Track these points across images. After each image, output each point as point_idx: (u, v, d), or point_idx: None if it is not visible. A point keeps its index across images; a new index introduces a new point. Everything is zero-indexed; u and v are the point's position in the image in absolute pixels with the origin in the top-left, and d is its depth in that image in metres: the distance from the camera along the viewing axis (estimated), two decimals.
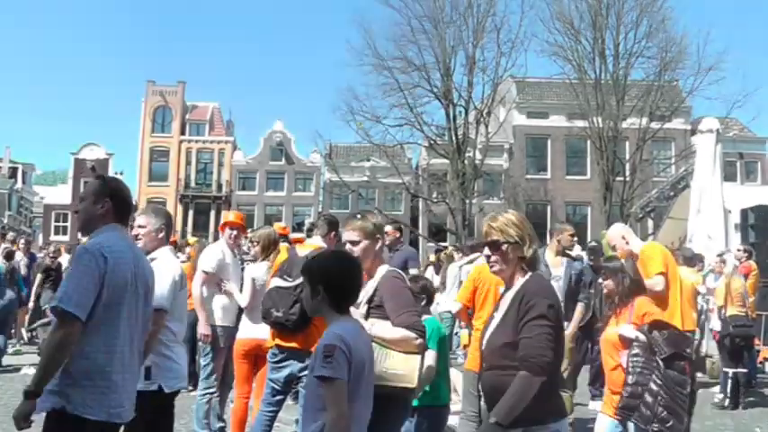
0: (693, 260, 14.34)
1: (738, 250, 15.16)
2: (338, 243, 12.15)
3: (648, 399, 5.75)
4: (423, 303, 6.56)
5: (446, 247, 22.58)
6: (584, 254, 13.62)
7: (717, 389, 12.92)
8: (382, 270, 5.23)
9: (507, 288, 4.28)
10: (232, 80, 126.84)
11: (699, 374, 14.90)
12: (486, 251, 4.26)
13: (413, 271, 11.86)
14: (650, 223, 32.93)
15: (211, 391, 8.47)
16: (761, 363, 15.45)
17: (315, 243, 7.64)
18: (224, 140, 66.85)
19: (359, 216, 5.48)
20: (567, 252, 9.53)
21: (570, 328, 9.03)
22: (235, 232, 9.12)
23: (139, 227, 6.19)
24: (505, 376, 3.95)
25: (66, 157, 65.07)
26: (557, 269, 9.22)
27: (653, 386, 5.76)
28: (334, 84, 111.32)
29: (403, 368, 4.89)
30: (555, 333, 4.02)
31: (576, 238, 10.03)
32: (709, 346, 14.82)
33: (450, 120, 47.63)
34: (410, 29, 47.39)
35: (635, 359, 5.92)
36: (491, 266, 4.34)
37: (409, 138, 49.55)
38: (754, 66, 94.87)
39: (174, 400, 6.16)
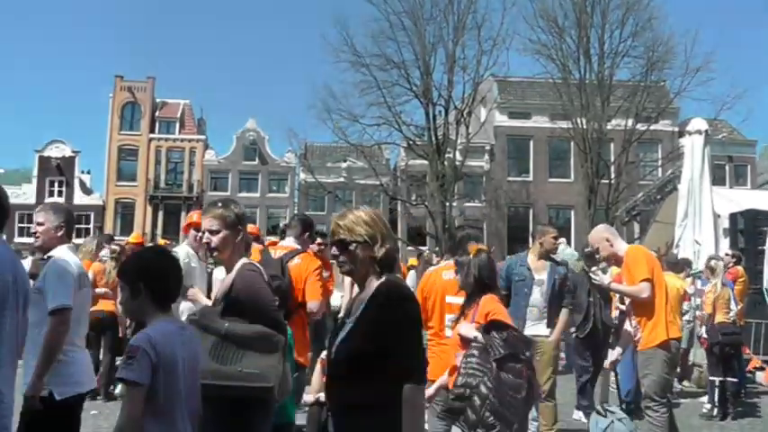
0: (679, 265, 14.30)
1: (726, 255, 15.13)
2: (322, 245, 12.14)
3: (477, 402, 5.60)
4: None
5: (426, 251, 22.49)
6: (571, 255, 13.54)
7: (705, 398, 12.86)
8: (239, 264, 5.04)
9: (360, 291, 4.11)
10: (204, 76, 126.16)
11: (686, 383, 14.93)
12: (334, 251, 4.10)
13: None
14: (636, 227, 32.90)
15: None
16: (751, 372, 15.41)
17: (288, 245, 7.51)
18: (195, 139, 66.52)
19: (220, 204, 5.29)
20: (552, 256, 9.41)
21: (554, 335, 8.99)
22: (200, 234, 8.92)
23: (38, 224, 6.01)
24: (353, 388, 3.78)
25: (30, 154, 64.39)
26: (540, 273, 9.10)
27: (483, 389, 5.62)
28: (309, 81, 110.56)
29: (259, 367, 4.71)
30: (421, 337, 3.98)
31: (559, 241, 9.95)
32: (697, 355, 14.81)
33: (429, 119, 47.70)
34: (389, 25, 47.51)
35: (469, 360, 5.82)
36: (340, 267, 4.20)
37: (387, 138, 49.71)
38: (743, 67, 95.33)
39: (79, 409, 5.89)
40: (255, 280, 4.96)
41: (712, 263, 13.09)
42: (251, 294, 4.86)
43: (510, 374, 5.67)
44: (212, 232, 5.13)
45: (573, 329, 11.52)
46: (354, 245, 3.98)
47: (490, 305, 6.36)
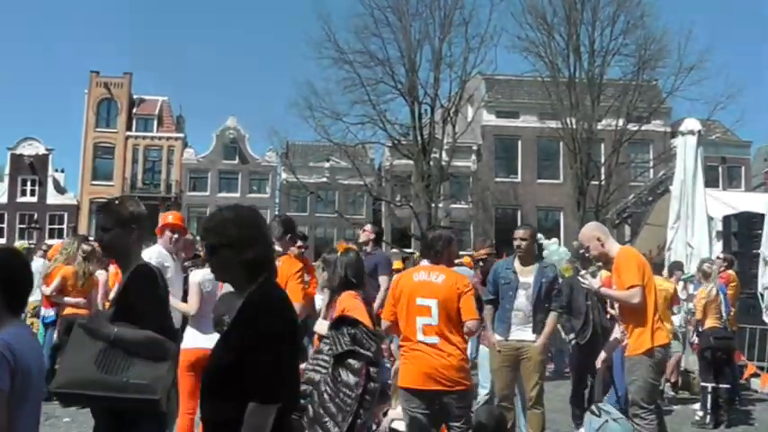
0: (670, 269, 14.30)
1: (718, 258, 15.10)
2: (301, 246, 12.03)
3: (316, 398, 5.59)
4: None
5: (412, 253, 22.38)
6: (564, 254, 13.50)
7: (697, 405, 12.80)
8: (134, 265, 4.81)
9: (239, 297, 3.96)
10: (183, 72, 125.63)
11: (678, 390, 14.88)
12: (205, 255, 3.98)
13: (382, 279, 11.60)
14: (627, 230, 32.98)
15: None
16: (746, 379, 15.39)
17: None
18: (174, 137, 66.27)
19: (117, 201, 5.07)
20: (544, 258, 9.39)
21: (541, 339, 8.88)
22: (176, 235, 8.82)
23: None
24: (224, 404, 3.64)
25: (1, 152, 63.90)
26: (526, 276, 9.02)
27: (321, 385, 5.62)
28: (291, 78, 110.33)
29: (146, 377, 4.46)
30: (287, 353, 3.72)
31: (552, 240, 9.92)
32: (689, 361, 14.77)
33: (414, 118, 47.68)
34: (373, 20, 47.49)
35: (317, 356, 5.82)
36: (212, 273, 4.11)
37: (371, 137, 49.75)
38: (738, 66, 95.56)
39: None
40: (149, 282, 4.72)
41: (705, 267, 13.05)
42: (143, 298, 4.62)
43: (348, 371, 5.65)
44: (104, 230, 4.88)
45: (572, 335, 11.41)
46: (223, 248, 3.83)
47: (347, 302, 6.56)
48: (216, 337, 7.22)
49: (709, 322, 12.41)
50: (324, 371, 5.66)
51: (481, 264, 13.98)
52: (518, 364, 8.89)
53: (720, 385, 12.31)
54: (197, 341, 7.75)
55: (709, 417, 12.17)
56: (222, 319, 6.67)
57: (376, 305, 11.44)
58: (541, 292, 8.91)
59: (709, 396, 12.28)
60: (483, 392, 10.08)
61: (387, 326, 7.32)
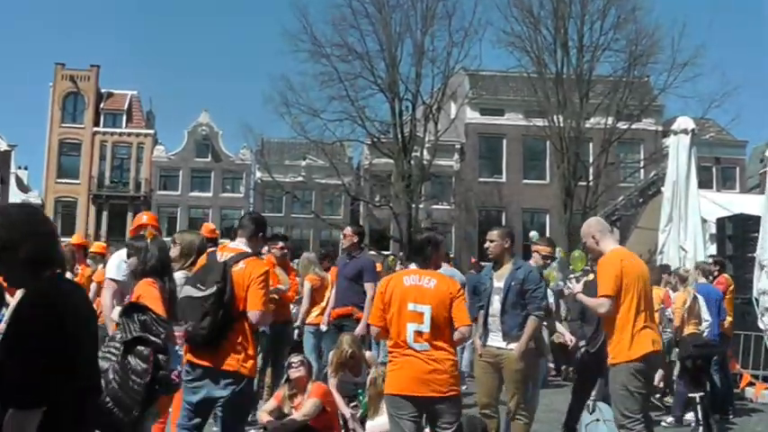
0: (656, 272, 14.14)
1: (709, 262, 14.91)
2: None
3: (103, 387, 5.41)
4: None
5: (387, 256, 22.19)
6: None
7: (670, 419, 12.60)
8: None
9: None
10: (153, 65, 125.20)
11: (668, 399, 14.67)
12: None
13: (368, 286, 11.42)
14: (616, 233, 32.83)
15: None
16: (742, 389, 15.24)
17: (238, 247, 7.23)
18: (143, 133, 66.21)
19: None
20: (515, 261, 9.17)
21: (518, 346, 8.69)
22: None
23: None
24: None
25: None
26: (500, 280, 8.98)
27: (110, 373, 5.46)
28: (267, 72, 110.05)
29: None
30: (49, 350, 3.47)
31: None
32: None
33: (395, 115, 47.57)
34: (351, 11, 47.33)
35: (109, 343, 5.67)
36: (4, 280, 3.92)
37: (350, 134, 49.61)
38: (734, 62, 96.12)
39: None
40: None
41: (681, 271, 13.03)
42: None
43: (137, 358, 5.52)
44: None
45: (583, 343, 11.13)
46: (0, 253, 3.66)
47: (142, 289, 6.61)
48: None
49: (689, 329, 12.23)
50: (114, 358, 5.50)
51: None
52: (500, 372, 8.84)
53: (697, 394, 12.11)
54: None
55: (701, 428, 11.96)
56: (179, 324, 6.69)
57: (365, 314, 11.25)
58: (509, 295, 8.82)
59: (698, 406, 12.07)
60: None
61: (376, 332, 7.34)
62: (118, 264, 8.71)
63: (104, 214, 64.08)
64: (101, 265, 13.20)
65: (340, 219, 55.45)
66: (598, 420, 8.22)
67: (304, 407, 9.07)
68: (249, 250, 7.18)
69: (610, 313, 7.63)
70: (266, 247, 11.49)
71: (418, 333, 6.88)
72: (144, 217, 9.29)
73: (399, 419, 6.95)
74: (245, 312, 6.85)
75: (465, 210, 56.22)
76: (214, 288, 6.66)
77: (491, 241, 9.07)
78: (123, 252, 8.70)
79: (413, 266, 7.35)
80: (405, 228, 45.94)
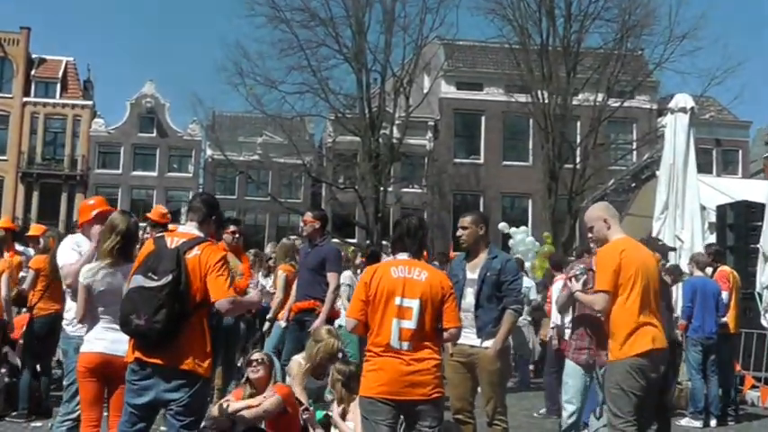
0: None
1: (706, 253, 14.99)
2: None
3: None
4: None
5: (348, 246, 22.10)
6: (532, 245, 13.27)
7: (684, 421, 12.74)
8: None
9: None
10: (90, 29, 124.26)
11: None
12: None
13: (330, 276, 11.43)
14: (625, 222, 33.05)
15: (72, 417, 8.25)
16: (745, 392, 15.39)
17: (189, 231, 7.18)
18: (80, 105, 65.58)
19: None
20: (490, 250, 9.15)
21: (493, 344, 8.75)
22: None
23: None
24: None
25: None
26: (474, 271, 9.01)
27: None
28: (219, 38, 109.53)
29: None
30: None
31: (520, 229, 9.70)
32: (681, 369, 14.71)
33: (362, 88, 47.71)
34: None
35: None
36: None
37: (311, 109, 49.55)
38: (737, 35, 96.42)
39: None
40: None
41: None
42: None
43: None
44: None
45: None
46: None
47: None
48: (112, 338, 7.35)
49: None
50: None
51: None
52: (473, 372, 8.88)
53: None
54: (93, 345, 7.75)
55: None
56: (130, 319, 6.63)
57: (326, 307, 11.30)
58: (484, 287, 8.85)
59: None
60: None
61: (353, 325, 7.24)
62: (70, 252, 8.76)
63: (35, 195, 63.43)
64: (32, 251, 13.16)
65: (299, 202, 55.34)
66: (606, 426, 8.34)
67: (266, 401, 8.99)
68: (202, 235, 7.14)
69: (606, 310, 7.74)
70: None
71: (405, 330, 6.88)
72: (90, 201, 9.25)
73: (375, 424, 6.93)
74: (202, 305, 6.82)
75: (438, 194, 56.23)
76: (169, 277, 6.58)
77: (464, 228, 9.04)
78: (75, 238, 8.93)
79: (402, 256, 7.31)
80: (372, 213, 46.02)
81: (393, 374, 6.84)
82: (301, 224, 12.77)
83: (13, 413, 12.10)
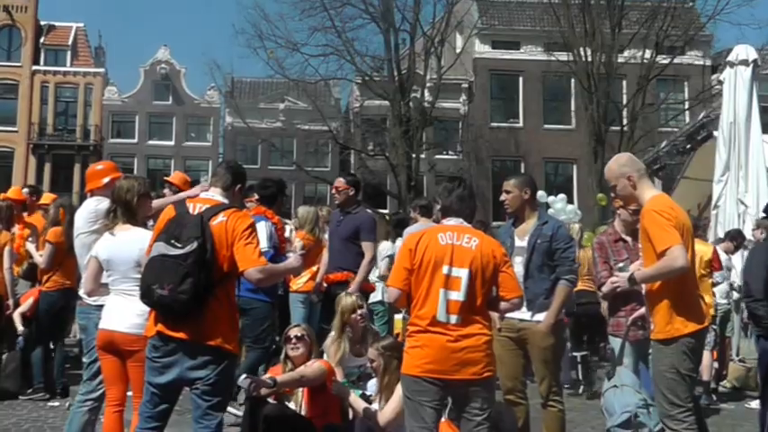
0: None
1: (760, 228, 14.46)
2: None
3: None
4: None
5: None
6: (573, 213, 13.02)
7: (754, 403, 12.32)
8: None
9: None
10: None
11: (725, 383, 14.45)
12: None
13: (365, 246, 11.21)
14: (659, 185, 32.62)
15: (93, 397, 8.23)
16: None
17: (213, 197, 7.04)
18: (92, 72, 65.86)
19: None
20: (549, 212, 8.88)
21: (546, 318, 8.50)
22: None
23: None
24: None
25: None
26: (522, 239, 8.73)
27: None
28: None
29: None
30: None
31: (559, 197, 9.38)
32: (744, 348, 14.38)
33: (390, 49, 47.40)
34: None
35: None
36: None
37: (336, 72, 49.32)
38: None
39: None
40: None
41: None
42: None
43: None
44: None
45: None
46: None
47: None
48: (119, 315, 7.38)
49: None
50: None
51: None
52: (524, 349, 8.67)
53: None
54: (105, 322, 7.67)
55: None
56: (152, 290, 6.45)
57: (358, 277, 11.10)
58: (535, 255, 8.61)
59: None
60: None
61: (396, 295, 6.98)
62: (87, 216, 8.77)
63: (47, 167, 63.75)
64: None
65: (327, 171, 55.29)
66: (616, 387, 8.10)
67: (307, 368, 8.64)
68: (226, 201, 7.01)
69: (689, 263, 7.03)
70: None
71: (453, 302, 6.66)
72: (99, 166, 9.25)
73: (420, 406, 6.73)
74: (228, 276, 6.65)
75: (475, 160, 55.77)
76: (194, 244, 6.40)
77: (507, 192, 8.81)
78: (92, 202, 8.87)
79: (451, 222, 7.09)
80: (403, 181, 45.71)
81: (440, 351, 6.63)
82: (333, 191, 12.47)
83: (29, 391, 12.20)
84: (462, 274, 6.68)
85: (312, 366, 8.63)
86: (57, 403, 11.73)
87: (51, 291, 11.86)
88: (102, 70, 65.89)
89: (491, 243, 7.00)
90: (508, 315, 8.18)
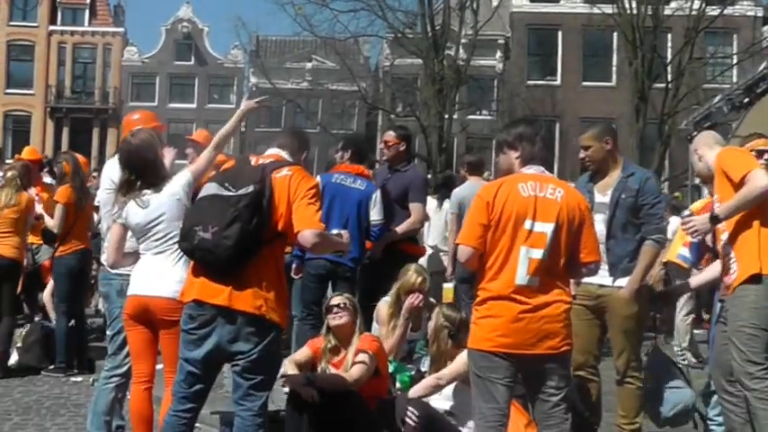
0: None
1: None
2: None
3: None
4: None
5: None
6: None
7: None
8: None
9: None
10: None
11: None
12: None
13: (414, 208, 10.58)
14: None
15: (120, 372, 8.04)
16: None
17: (279, 153, 6.74)
18: (110, 32, 66.65)
19: None
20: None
21: (628, 284, 7.90)
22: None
23: None
24: None
25: None
26: (604, 194, 8.12)
27: None
28: None
29: None
30: None
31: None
32: None
33: (423, 4, 46.31)
34: None
35: None
36: None
37: (367, 29, 48.47)
38: None
39: None
40: None
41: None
42: None
43: None
44: None
45: None
46: None
47: None
48: (169, 277, 6.91)
49: None
50: None
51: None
52: (602, 319, 8.11)
53: None
54: (138, 287, 7.27)
55: None
56: (193, 232, 6.11)
57: (401, 227, 10.48)
58: (618, 212, 8.01)
59: None
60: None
61: (468, 254, 6.40)
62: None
63: (65, 131, 64.27)
64: None
65: (352, 133, 54.87)
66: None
67: (354, 368, 8.05)
68: (286, 157, 6.66)
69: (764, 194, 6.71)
70: None
71: (535, 261, 6.17)
72: (135, 116, 9.16)
73: (491, 384, 6.28)
74: (280, 237, 6.20)
75: (510, 120, 55.20)
76: (251, 188, 6.01)
77: (585, 148, 8.17)
78: (112, 165, 8.38)
79: (530, 170, 6.48)
80: (435, 142, 45.19)
81: (515, 322, 6.17)
82: (381, 146, 11.81)
83: (51, 366, 12.03)
84: (547, 229, 6.20)
85: (360, 368, 8.10)
86: (80, 378, 11.61)
87: (66, 254, 11.65)
88: (121, 30, 66.60)
89: (576, 195, 6.57)
90: (586, 280, 7.66)
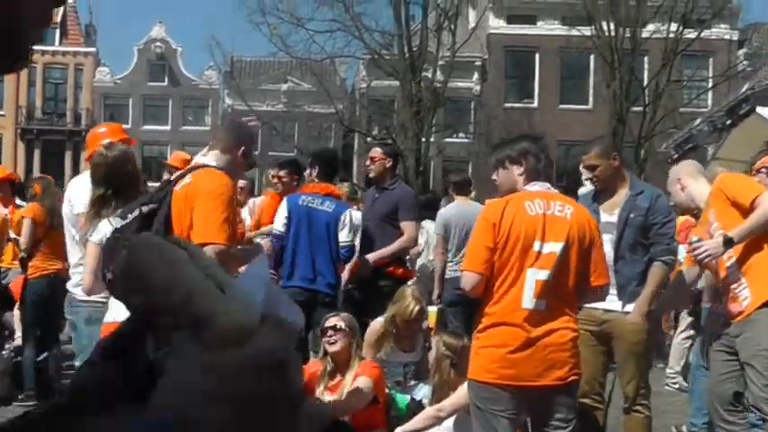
0: None
1: None
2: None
3: None
4: None
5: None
6: None
7: None
8: None
9: None
10: None
11: None
12: None
13: (406, 226, 10.23)
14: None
15: None
16: None
17: (198, 158, 6.90)
18: (82, 52, 66.18)
19: None
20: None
21: (636, 309, 7.65)
22: None
23: None
24: None
25: None
26: (611, 213, 7.83)
27: None
28: None
29: None
30: None
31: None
32: None
33: (400, 24, 46.54)
34: None
35: None
36: None
37: (344, 49, 48.76)
38: None
39: None
40: None
41: None
42: None
43: None
44: None
45: None
46: None
47: None
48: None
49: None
50: None
51: None
52: (608, 345, 7.87)
53: None
54: (114, 314, 6.70)
55: None
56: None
57: (388, 249, 10.10)
58: (626, 232, 7.76)
59: None
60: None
61: (474, 282, 6.13)
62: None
63: (36, 153, 63.70)
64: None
65: (320, 147, 54.94)
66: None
67: (352, 398, 7.94)
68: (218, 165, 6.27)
69: None
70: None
71: (542, 284, 5.91)
72: (101, 129, 8.97)
73: (492, 416, 6.09)
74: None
75: (486, 143, 55.35)
76: (136, 212, 5.91)
77: (592, 168, 7.90)
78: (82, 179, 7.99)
79: (535, 187, 6.25)
80: (412, 165, 45.16)
81: (518, 352, 5.95)
82: (367, 162, 11.54)
83: (21, 396, 11.55)
84: (557, 248, 5.97)
85: (358, 396, 7.94)
86: None
87: (35, 278, 11.19)
88: (92, 50, 66.30)
89: (585, 213, 6.38)
90: (589, 305, 7.38)
